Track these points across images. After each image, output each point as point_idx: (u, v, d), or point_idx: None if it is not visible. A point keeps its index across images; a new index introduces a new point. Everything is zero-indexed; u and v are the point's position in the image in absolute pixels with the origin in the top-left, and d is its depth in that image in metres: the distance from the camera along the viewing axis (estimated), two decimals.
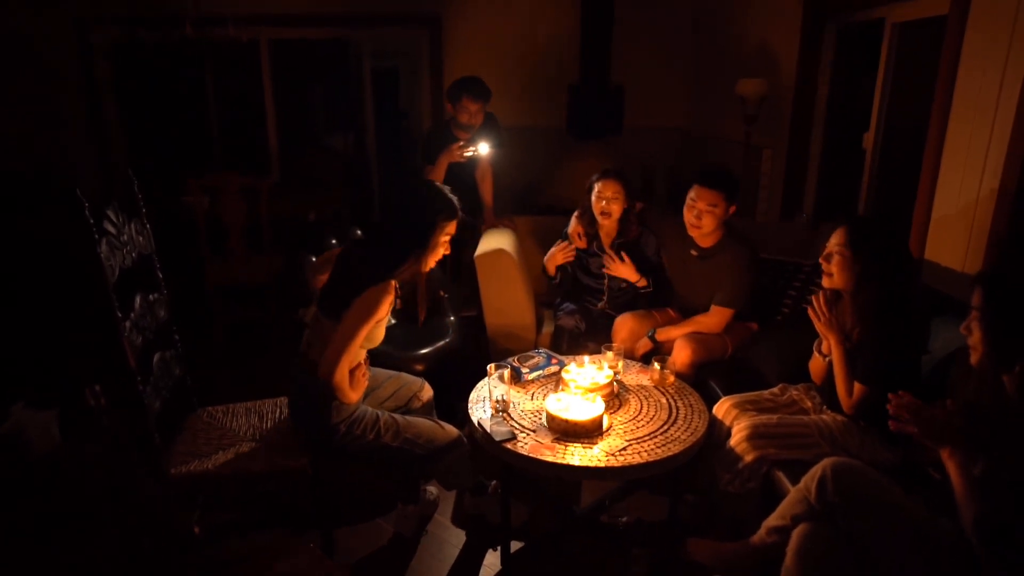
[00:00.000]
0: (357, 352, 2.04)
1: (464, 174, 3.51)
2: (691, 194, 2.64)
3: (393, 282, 1.99)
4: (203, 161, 4.97)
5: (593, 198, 2.93)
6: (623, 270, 2.94)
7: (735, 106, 3.82)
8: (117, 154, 4.76)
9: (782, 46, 3.68)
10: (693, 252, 2.76)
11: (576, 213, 3.08)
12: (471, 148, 3.29)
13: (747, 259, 2.66)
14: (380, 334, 2.10)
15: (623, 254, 2.94)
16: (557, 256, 3.03)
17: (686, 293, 2.87)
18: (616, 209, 2.90)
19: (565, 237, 3.11)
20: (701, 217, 2.61)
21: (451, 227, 2.08)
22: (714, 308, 2.69)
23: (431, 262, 2.10)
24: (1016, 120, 2.15)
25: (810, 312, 2.10)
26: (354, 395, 2.04)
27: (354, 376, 2.05)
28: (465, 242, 3.65)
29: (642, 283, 2.96)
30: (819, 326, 2.09)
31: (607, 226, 2.97)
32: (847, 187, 3.42)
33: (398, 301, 3.24)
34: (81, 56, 4.42)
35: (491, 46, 4.72)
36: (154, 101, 4.96)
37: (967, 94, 2.36)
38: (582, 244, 3.05)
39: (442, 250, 2.10)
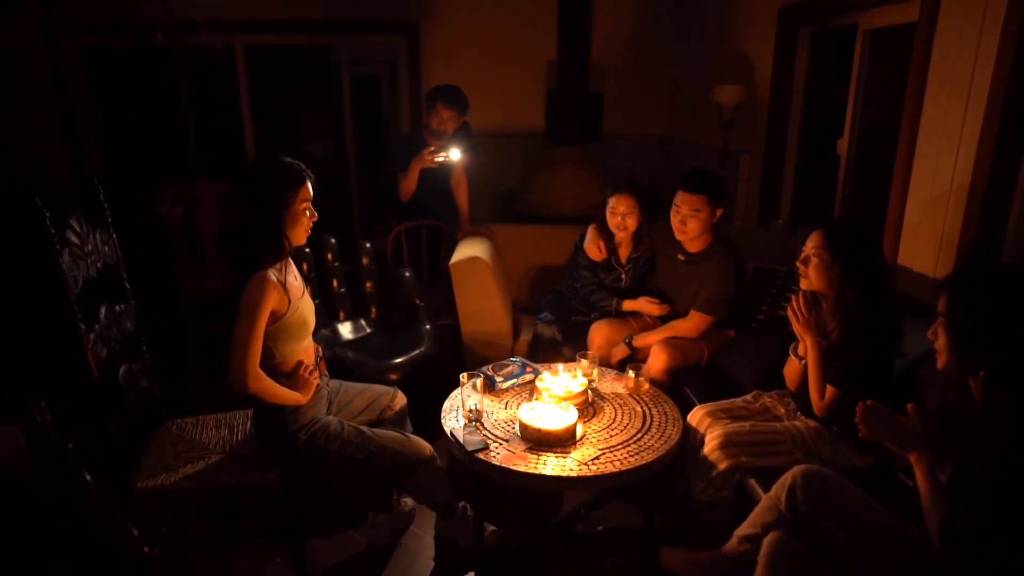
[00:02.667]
0: (288, 349, 1.98)
1: (439, 181, 3.51)
2: (676, 199, 2.66)
3: (268, 271, 1.89)
4: (180, 169, 4.91)
5: (607, 213, 2.89)
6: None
7: (712, 113, 3.84)
8: (91, 162, 4.69)
9: (757, 53, 3.70)
10: (680, 256, 2.79)
11: (593, 226, 3.01)
12: (443, 153, 3.30)
13: (731, 268, 2.66)
14: (299, 322, 1.99)
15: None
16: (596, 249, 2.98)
17: (671, 296, 2.87)
18: (631, 223, 2.87)
19: (579, 248, 3.06)
20: (686, 222, 2.64)
21: (304, 193, 1.94)
22: (693, 312, 2.70)
23: (300, 234, 1.98)
24: (983, 128, 2.17)
25: (789, 312, 2.10)
26: (301, 396, 1.99)
27: (296, 375, 2.00)
28: (441, 250, 3.65)
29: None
30: (797, 327, 2.09)
31: (624, 239, 2.94)
32: (823, 193, 3.44)
33: (373, 309, 3.26)
34: (52, 63, 4.35)
35: (469, 52, 4.72)
36: (129, 108, 4.90)
37: (936, 101, 2.38)
38: (601, 256, 2.99)
39: (305, 219, 1.97)
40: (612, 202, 2.87)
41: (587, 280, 3.03)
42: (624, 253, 2.98)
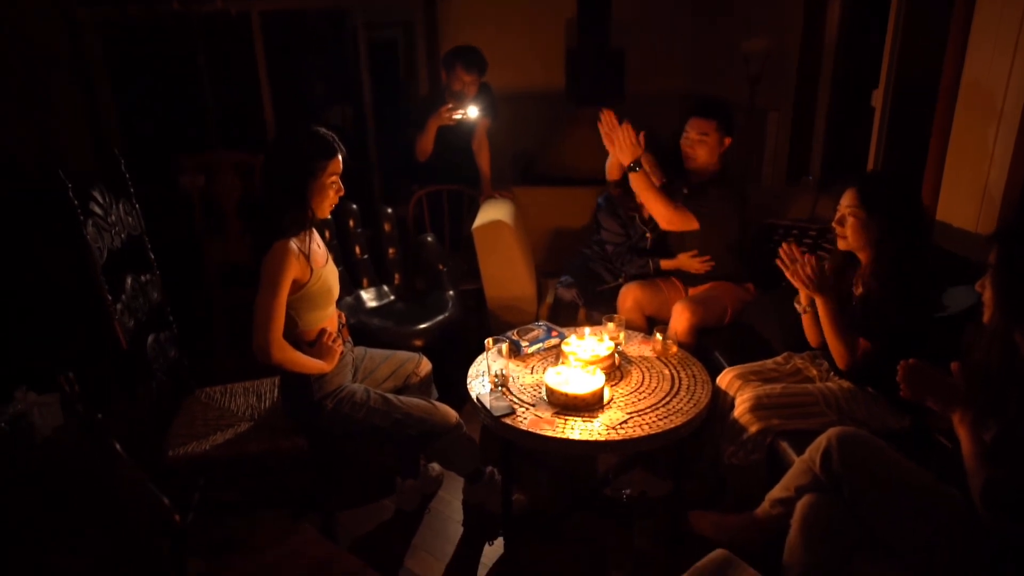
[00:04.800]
0: (312, 318, 1.96)
1: (458, 139, 3.45)
2: (686, 126, 2.66)
3: (289, 240, 1.86)
4: (199, 138, 4.91)
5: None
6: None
7: (739, 68, 3.71)
8: (110, 133, 4.70)
9: (787, 2, 3.54)
10: (685, 190, 2.73)
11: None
12: (460, 111, 3.24)
13: (729, 193, 2.63)
14: (322, 291, 1.97)
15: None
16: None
17: (676, 241, 2.83)
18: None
19: (600, 208, 3.04)
20: (693, 147, 2.64)
21: (333, 166, 1.91)
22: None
23: (325, 208, 1.95)
24: None
25: (778, 263, 2.07)
26: (325, 364, 1.98)
27: (319, 343, 1.99)
28: (463, 214, 3.61)
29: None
30: (792, 280, 2.05)
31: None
32: (855, 147, 3.32)
33: (396, 275, 3.25)
34: (69, 34, 4.33)
35: (488, 10, 4.59)
36: (147, 78, 4.88)
37: (981, 48, 2.25)
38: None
39: (332, 192, 1.94)
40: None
41: (617, 244, 2.99)
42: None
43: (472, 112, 3.28)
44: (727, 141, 2.65)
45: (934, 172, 2.47)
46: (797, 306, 2.17)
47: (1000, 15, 2.16)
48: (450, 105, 3.25)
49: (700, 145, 2.62)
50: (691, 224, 2.62)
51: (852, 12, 3.33)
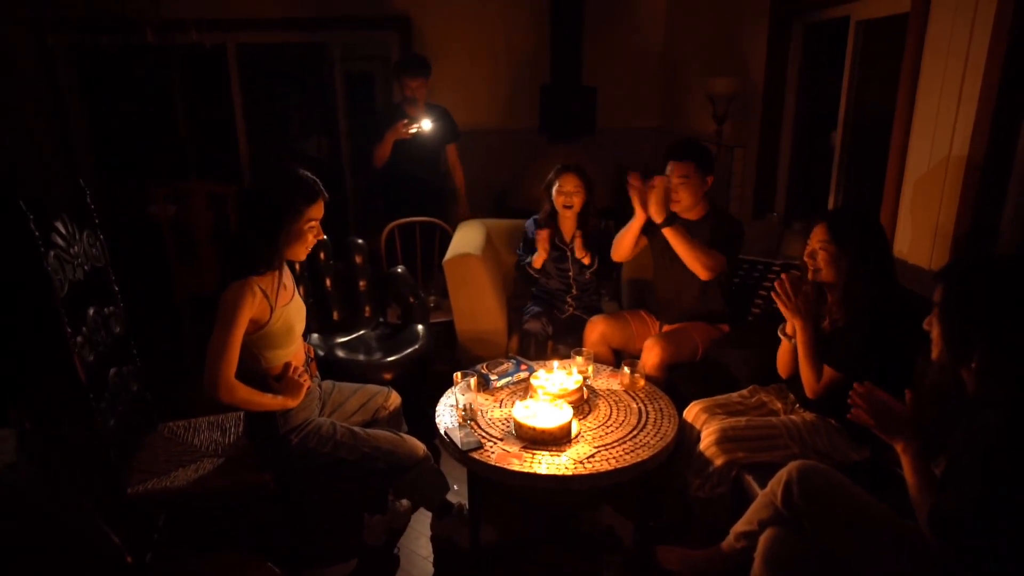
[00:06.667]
0: (274, 356, 1.94)
1: (417, 150, 3.66)
2: (667, 169, 2.69)
3: (250, 279, 1.83)
4: (174, 168, 4.89)
5: (554, 192, 3.00)
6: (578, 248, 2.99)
7: (707, 105, 3.82)
8: (83, 161, 4.66)
9: (751, 44, 3.67)
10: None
11: (539, 219, 3.11)
12: (415, 125, 3.47)
13: (732, 230, 2.66)
14: (283, 330, 1.93)
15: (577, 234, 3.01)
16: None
17: (665, 276, 2.83)
18: (578, 202, 2.98)
19: (528, 243, 3.13)
20: (676, 190, 2.65)
21: (314, 211, 1.88)
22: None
23: (301, 252, 1.93)
24: (977, 120, 2.16)
25: (774, 295, 2.09)
26: (288, 400, 1.94)
27: (285, 378, 1.96)
28: (435, 247, 3.63)
29: (586, 259, 3.00)
30: (784, 309, 2.08)
31: (568, 219, 3.04)
32: (818, 186, 3.42)
33: (366, 307, 3.24)
34: (42, 61, 4.31)
35: (462, 47, 4.68)
36: (121, 107, 4.87)
37: (930, 93, 2.36)
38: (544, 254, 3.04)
39: (311, 237, 1.91)
40: (559, 183, 2.98)
41: (543, 288, 3.15)
42: (568, 231, 3.07)
43: (426, 125, 3.51)
44: (709, 180, 2.68)
45: (890, 211, 2.56)
46: (782, 335, 2.19)
47: (945, 67, 2.27)
48: (405, 121, 3.48)
49: (683, 188, 2.63)
50: (722, 265, 2.62)
51: (811, 57, 3.46)
